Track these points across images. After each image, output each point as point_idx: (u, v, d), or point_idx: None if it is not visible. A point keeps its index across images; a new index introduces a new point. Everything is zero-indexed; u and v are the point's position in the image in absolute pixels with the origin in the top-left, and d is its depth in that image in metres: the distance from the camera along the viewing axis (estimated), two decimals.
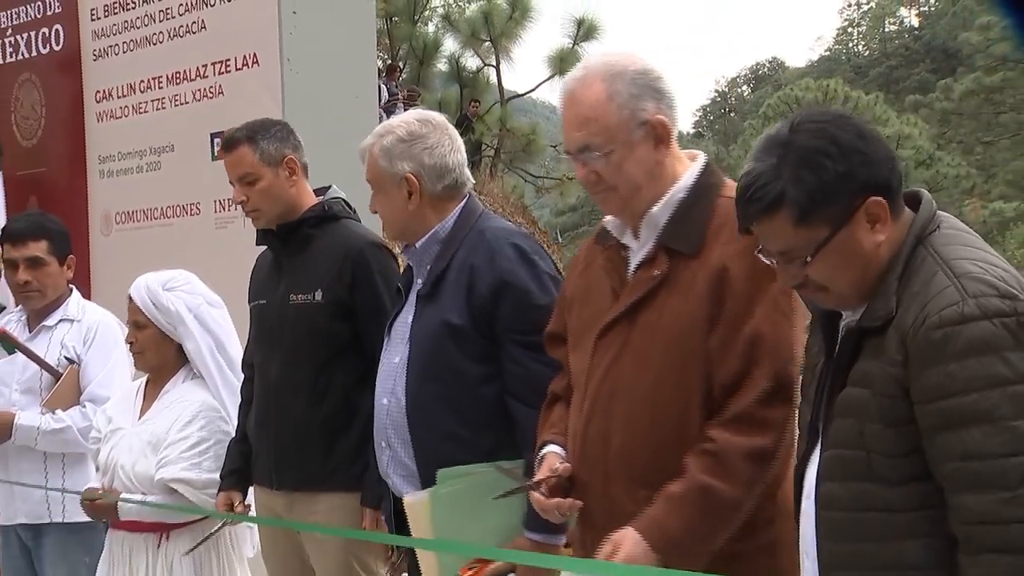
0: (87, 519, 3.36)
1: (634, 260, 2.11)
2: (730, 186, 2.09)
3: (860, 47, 55.24)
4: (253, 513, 3.08)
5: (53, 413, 3.44)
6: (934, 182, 28.31)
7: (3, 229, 3.63)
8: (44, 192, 4.90)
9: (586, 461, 2.08)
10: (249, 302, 3.12)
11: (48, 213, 3.93)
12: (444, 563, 2.31)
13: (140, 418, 3.17)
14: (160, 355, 3.16)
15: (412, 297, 2.65)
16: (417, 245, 2.63)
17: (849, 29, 56.80)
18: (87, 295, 4.52)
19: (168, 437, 3.07)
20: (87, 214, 4.67)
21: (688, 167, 2.12)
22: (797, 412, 1.92)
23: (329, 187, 3.11)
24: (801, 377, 1.93)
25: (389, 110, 16.18)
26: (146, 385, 3.24)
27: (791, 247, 1.71)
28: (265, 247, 3.11)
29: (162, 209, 4.37)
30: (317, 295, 2.91)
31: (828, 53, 55.61)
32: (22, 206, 4.86)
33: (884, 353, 1.64)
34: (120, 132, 4.54)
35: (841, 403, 1.70)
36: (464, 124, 18.69)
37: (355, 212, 3.10)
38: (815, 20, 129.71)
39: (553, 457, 2.14)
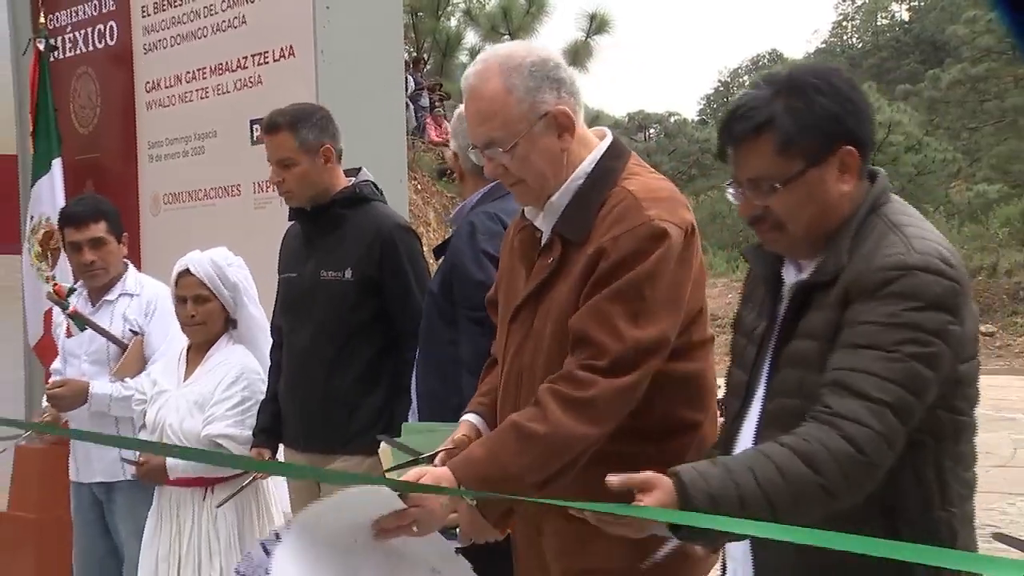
0: None
1: (540, 245, 2.04)
2: (632, 167, 2.00)
3: (854, 40, 54.59)
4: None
5: (123, 381, 3.49)
6: (922, 166, 28.04)
7: (63, 214, 3.65)
8: (99, 175, 4.93)
9: None
10: (279, 273, 3.13)
11: (100, 195, 3.94)
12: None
13: (185, 380, 3.21)
14: (218, 326, 3.19)
15: None
16: (448, 219, 2.67)
17: (843, 23, 56.12)
18: (137, 269, 4.57)
19: (213, 397, 3.11)
20: (137, 196, 4.70)
21: (593, 149, 2.00)
22: (727, 375, 1.84)
23: (360, 169, 3.10)
24: (732, 343, 1.84)
25: (415, 99, 16.15)
26: (188, 350, 3.27)
27: (763, 174, 1.67)
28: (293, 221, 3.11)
29: (205, 191, 4.39)
30: (347, 273, 2.91)
31: (824, 45, 54.99)
32: (79, 188, 4.89)
33: (830, 303, 1.63)
34: (168, 119, 4.56)
35: (787, 355, 1.68)
36: None
37: (383, 194, 3.09)
38: (812, 14, 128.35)
39: (465, 426, 2.07)
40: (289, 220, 3.13)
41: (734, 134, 1.69)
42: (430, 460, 1.97)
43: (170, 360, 3.32)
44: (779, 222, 1.68)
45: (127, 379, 3.50)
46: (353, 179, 3.05)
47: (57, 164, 4.74)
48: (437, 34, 19.42)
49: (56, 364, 3.74)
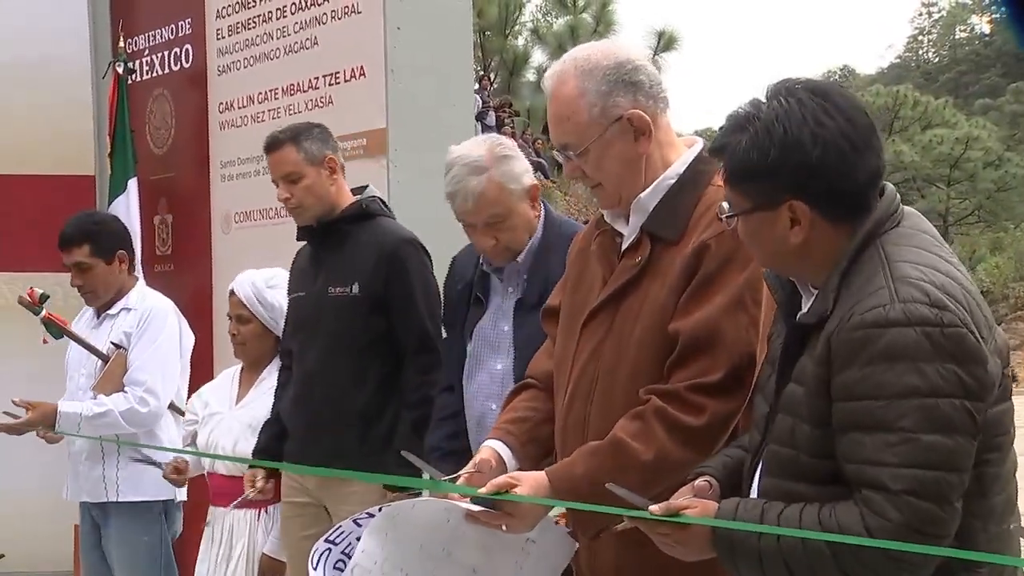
0: (144, 499, 3.42)
1: (623, 247, 1.99)
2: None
3: (930, 54, 53.54)
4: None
5: (95, 398, 3.44)
6: (1002, 182, 27.36)
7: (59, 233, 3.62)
8: (172, 195, 5.05)
9: (567, 448, 1.96)
10: (288, 295, 3.13)
11: (98, 213, 3.82)
12: None
13: (237, 403, 3.23)
14: (261, 347, 3.22)
15: (503, 305, 2.59)
16: (520, 259, 2.56)
17: (920, 37, 55.07)
18: (209, 288, 4.66)
19: None
20: (210, 214, 4.79)
21: (682, 154, 1.98)
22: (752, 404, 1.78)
23: (366, 186, 3.11)
24: (759, 369, 1.76)
25: (480, 118, 16.27)
26: (241, 372, 3.30)
27: (728, 197, 1.63)
28: (304, 243, 3.12)
29: (276, 209, 4.43)
30: (354, 288, 2.89)
31: (898, 60, 54.09)
32: (153, 207, 5.02)
33: (816, 355, 1.52)
34: (240, 139, 4.64)
35: (784, 398, 1.60)
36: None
37: (390, 210, 3.09)
38: (886, 29, 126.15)
39: (487, 450, 2.03)
40: (297, 239, 3.13)
41: (711, 147, 1.65)
42: (453, 482, 1.96)
43: (222, 381, 3.34)
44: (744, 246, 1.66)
45: (101, 396, 3.44)
46: (360, 196, 3.06)
47: (133, 184, 4.85)
48: (504, 53, 19.57)
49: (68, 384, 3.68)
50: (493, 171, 2.52)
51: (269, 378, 3.21)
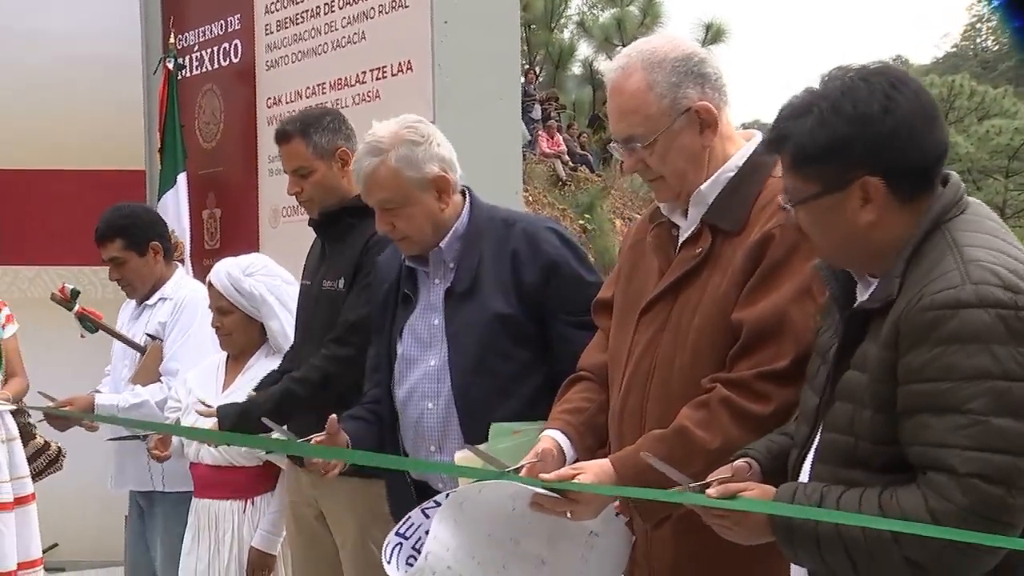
0: (190, 490, 3.37)
1: (681, 238, 2.00)
2: None
3: (989, 42, 52.45)
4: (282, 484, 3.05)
5: (132, 389, 3.47)
6: None
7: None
8: (221, 189, 5.13)
9: (623, 438, 1.97)
10: (301, 280, 3.10)
11: (128, 205, 3.79)
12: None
13: (224, 391, 3.18)
14: (246, 336, 3.18)
15: (432, 299, 2.50)
16: (442, 245, 2.47)
17: (977, 25, 53.96)
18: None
19: None
20: (257, 208, 4.86)
21: (741, 147, 1.99)
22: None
23: None
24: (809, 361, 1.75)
25: (525, 111, 16.27)
26: (227, 360, 3.26)
27: (789, 187, 1.62)
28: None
29: None
30: (341, 284, 2.84)
31: (955, 50, 53.00)
32: (202, 202, 5.11)
33: (881, 339, 1.51)
34: None
35: (841, 386, 1.58)
36: (596, 123, 18.66)
37: None
38: (942, 18, 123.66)
39: (548, 440, 2.04)
40: (309, 224, 3.08)
41: (768, 139, 1.63)
42: (515, 472, 1.95)
43: (207, 369, 3.30)
44: (808, 237, 1.63)
45: (138, 386, 3.47)
46: None
47: (182, 179, 4.95)
48: (550, 46, 19.54)
49: (108, 367, 3.77)
50: (391, 154, 2.42)
51: (256, 365, 3.16)
